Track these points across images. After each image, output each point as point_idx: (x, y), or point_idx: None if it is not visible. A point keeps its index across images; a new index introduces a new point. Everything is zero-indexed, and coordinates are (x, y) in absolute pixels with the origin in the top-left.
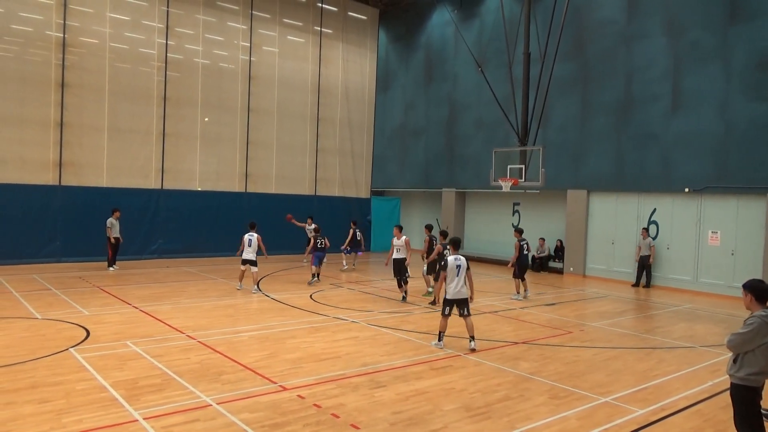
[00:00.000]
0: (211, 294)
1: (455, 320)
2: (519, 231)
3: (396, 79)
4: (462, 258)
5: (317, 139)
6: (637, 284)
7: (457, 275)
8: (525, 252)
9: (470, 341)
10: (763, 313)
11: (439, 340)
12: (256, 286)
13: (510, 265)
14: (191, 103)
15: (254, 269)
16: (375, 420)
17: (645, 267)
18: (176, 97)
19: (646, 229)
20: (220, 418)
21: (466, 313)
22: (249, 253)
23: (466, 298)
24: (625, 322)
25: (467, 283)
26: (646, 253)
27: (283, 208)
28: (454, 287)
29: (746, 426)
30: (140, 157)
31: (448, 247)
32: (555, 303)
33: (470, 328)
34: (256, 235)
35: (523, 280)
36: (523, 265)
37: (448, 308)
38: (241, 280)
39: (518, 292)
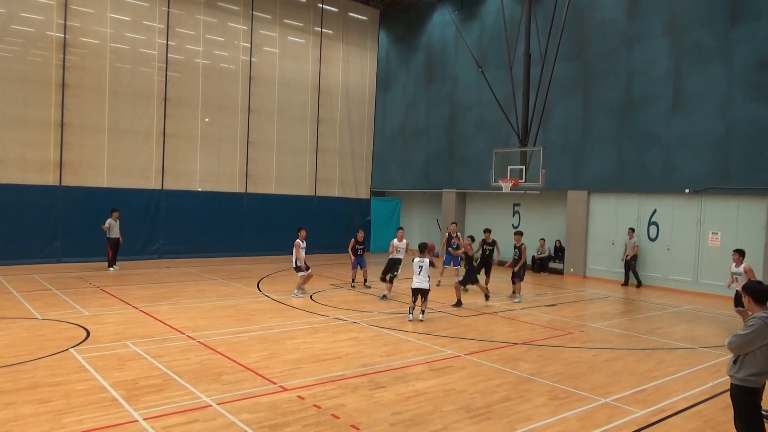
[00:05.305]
0: (211, 294)
1: (455, 321)
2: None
3: (396, 79)
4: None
5: (317, 140)
6: (626, 283)
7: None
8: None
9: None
10: (764, 315)
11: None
12: (296, 291)
13: None
14: (192, 104)
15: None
16: (375, 421)
17: (629, 265)
18: (177, 97)
19: (632, 229)
20: (220, 418)
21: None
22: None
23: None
24: (626, 323)
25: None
26: (630, 252)
27: (283, 209)
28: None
29: (746, 427)
30: (141, 157)
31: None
32: (555, 304)
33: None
34: (296, 240)
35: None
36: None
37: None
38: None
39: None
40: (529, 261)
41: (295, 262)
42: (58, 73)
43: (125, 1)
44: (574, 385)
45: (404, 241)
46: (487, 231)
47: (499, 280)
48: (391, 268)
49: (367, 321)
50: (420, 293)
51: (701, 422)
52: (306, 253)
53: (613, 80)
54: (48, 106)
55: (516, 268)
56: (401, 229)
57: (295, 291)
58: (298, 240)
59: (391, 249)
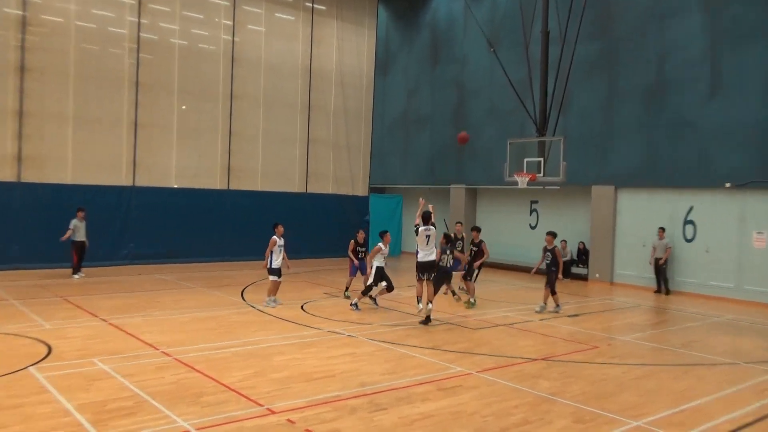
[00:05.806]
0: (189, 305)
1: (465, 334)
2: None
3: (398, 61)
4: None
5: (309, 130)
6: (659, 290)
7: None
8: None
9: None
10: None
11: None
12: (268, 299)
13: None
14: (167, 90)
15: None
16: None
17: (660, 270)
18: (150, 82)
19: (663, 229)
20: None
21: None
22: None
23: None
24: (659, 335)
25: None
26: (661, 255)
27: (269, 208)
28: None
29: None
30: (109, 150)
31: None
32: (578, 314)
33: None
34: (272, 237)
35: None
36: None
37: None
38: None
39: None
40: (543, 266)
41: (270, 264)
42: (17, 55)
43: None
44: (600, 405)
45: (389, 246)
46: (475, 229)
47: (515, 287)
48: (382, 278)
49: (365, 334)
50: (428, 269)
51: None
52: (295, 257)
53: (641, 61)
54: (5, 92)
55: (560, 275)
56: (387, 232)
57: (267, 299)
58: (274, 237)
59: (372, 255)
